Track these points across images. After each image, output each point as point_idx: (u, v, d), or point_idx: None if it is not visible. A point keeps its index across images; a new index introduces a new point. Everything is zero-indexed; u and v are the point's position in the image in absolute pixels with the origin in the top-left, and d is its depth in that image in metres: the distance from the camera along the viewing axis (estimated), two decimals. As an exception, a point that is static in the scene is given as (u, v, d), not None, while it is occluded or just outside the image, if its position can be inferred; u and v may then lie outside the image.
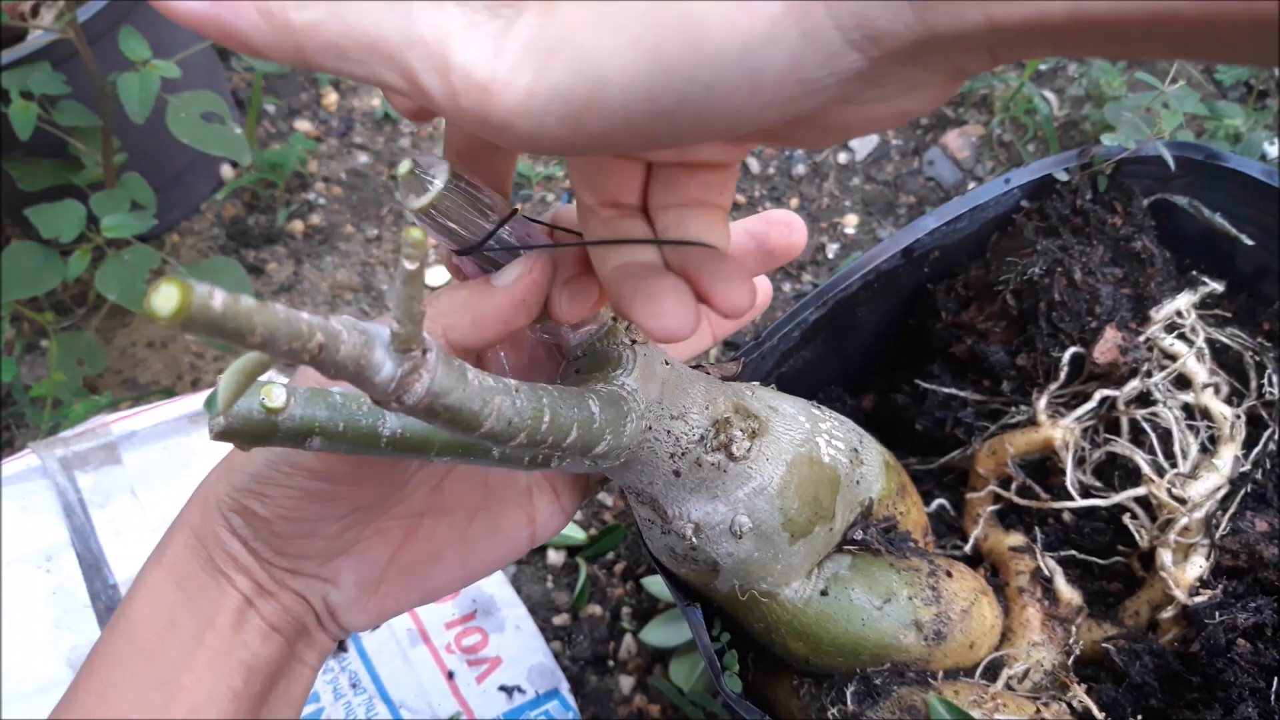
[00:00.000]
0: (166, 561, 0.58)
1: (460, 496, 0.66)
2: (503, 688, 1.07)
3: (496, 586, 1.14)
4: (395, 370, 0.35)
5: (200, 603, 0.57)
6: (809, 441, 0.66)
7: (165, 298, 0.25)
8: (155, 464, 1.12)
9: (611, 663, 1.13)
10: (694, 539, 0.63)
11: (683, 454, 0.60)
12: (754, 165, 1.48)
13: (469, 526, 0.66)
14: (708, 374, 0.65)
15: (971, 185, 1.42)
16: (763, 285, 0.69)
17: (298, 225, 1.50)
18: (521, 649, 1.10)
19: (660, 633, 1.09)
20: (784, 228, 0.63)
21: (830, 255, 1.39)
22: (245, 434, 0.45)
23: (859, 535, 0.73)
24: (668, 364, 0.60)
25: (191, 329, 0.26)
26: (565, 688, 1.08)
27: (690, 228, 0.49)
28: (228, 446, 0.56)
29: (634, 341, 0.58)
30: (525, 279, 0.53)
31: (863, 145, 1.48)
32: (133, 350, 1.41)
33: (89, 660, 0.58)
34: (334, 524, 0.58)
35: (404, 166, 0.49)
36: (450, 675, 1.07)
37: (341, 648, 1.08)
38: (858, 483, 0.71)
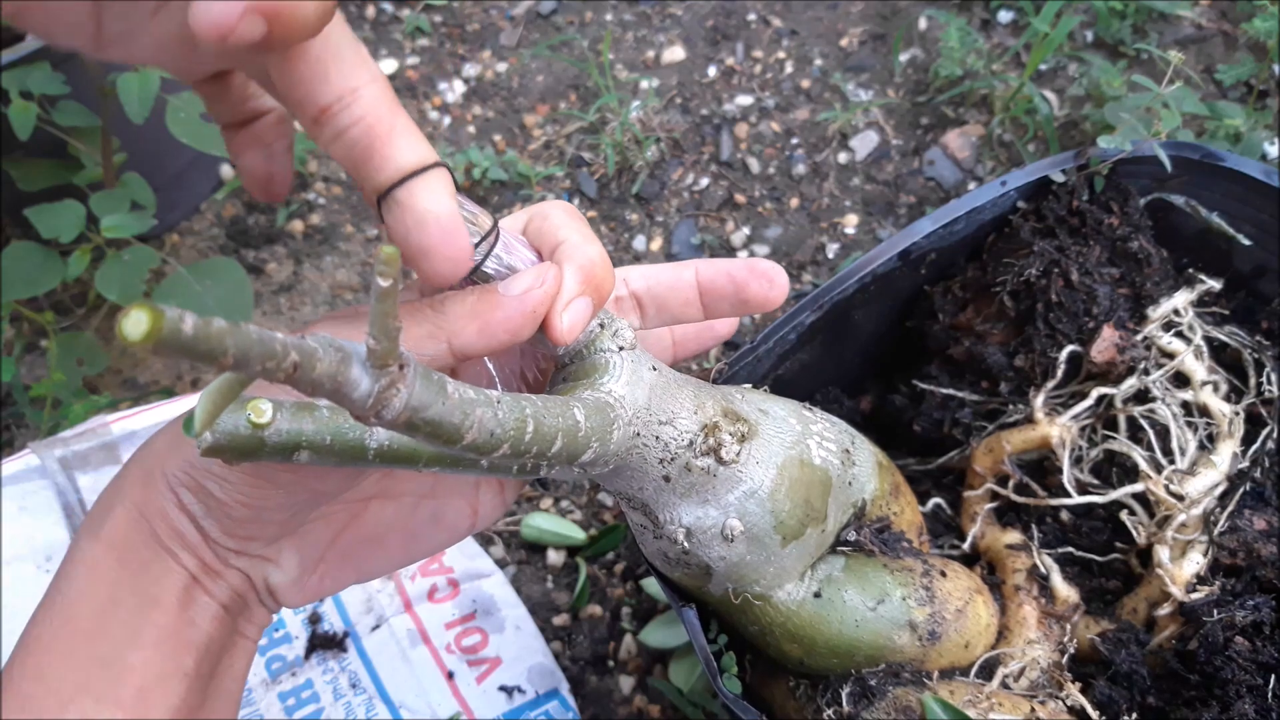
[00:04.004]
0: (105, 535, 0.55)
1: (409, 483, 0.66)
2: (503, 688, 1.07)
3: (496, 587, 1.14)
4: (372, 386, 0.35)
5: (143, 579, 0.55)
6: (799, 444, 0.66)
7: (135, 322, 0.25)
8: (155, 465, 1.12)
9: (611, 663, 1.13)
10: (685, 543, 0.63)
11: (672, 459, 0.60)
12: (754, 165, 1.47)
13: (414, 513, 0.66)
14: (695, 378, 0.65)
15: (972, 185, 1.42)
16: (729, 320, 0.71)
17: (297, 225, 1.50)
18: (521, 649, 1.10)
19: (660, 633, 1.09)
20: (765, 280, 0.65)
21: (830, 255, 1.39)
22: (232, 449, 0.45)
23: (852, 536, 0.73)
24: (655, 369, 0.60)
25: (163, 352, 0.26)
26: (565, 688, 1.08)
27: None
28: None
29: (621, 348, 0.58)
30: (539, 291, 0.54)
31: (863, 145, 1.48)
32: (132, 350, 1.41)
33: (22, 641, 0.54)
34: (290, 510, 0.57)
35: None
36: (450, 675, 1.08)
37: (341, 648, 1.09)
38: (850, 484, 0.72)
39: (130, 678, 0.53)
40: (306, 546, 0.61)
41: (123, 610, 0.54)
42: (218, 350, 0.27)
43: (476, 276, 0.54)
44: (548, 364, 0.66)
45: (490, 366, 0.60)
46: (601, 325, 0.58)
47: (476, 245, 0.53)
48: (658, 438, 0.59)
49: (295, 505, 0.57)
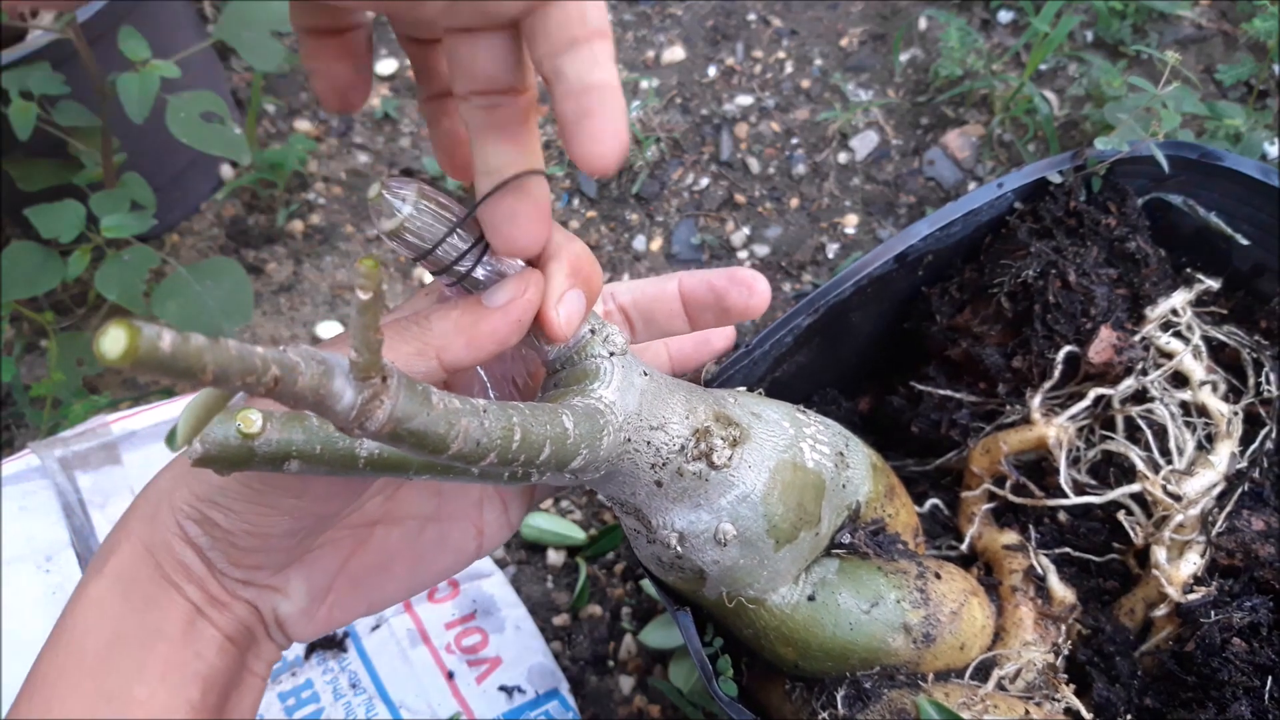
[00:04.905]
0: (110, 571, 0.56)
1: (413, 506, 0.66)
2: (503, 688, 1.08)
3: (497, 587, 1.14)
4: (355, 398, 0.35)
5: (148, 613, 0.55)
6: (792, 447, 0.66)
7: (113, 340, 0.25)
8: (155, 464, 1.11)
9: (611, 663, 1.13)
10: (679, 548, 0.63)
11: (664, 464, 0.60)
12: (754, 165, 1.47)
13: (419, 536, 0.67)
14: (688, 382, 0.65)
15: (972, 185, 1.41)
16: (725, 333, 0.73)
17: (297, 225, 1.50)
18: (521, 649, 1.10)
19: (660, 634, 1.09)
20: (745, 289, 0.65)
21: (830, 255, 1.39)
22: (223, 460, 0.45)
23: (846, 539, 0.73)
24: (646, 374, 0.60)
25: (142, 370, 0.26)
26: (565, 688, 1.08)
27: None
28: None
29: (612, 353, 0.58)
30: (521, 300, 0.54)
31: (863, 145, 1.47)
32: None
33: (29, 678, 0.55)
34: (295, 536, 0.58)
35: (373, 189, 0.49)
36: (450, 675, 1.08)
37: (341, 648, 1.09)
38: (844, 486, 0.72)
39: (136, 711, 0.54)
40: (314, 575, 0.62)
41: (127, 644, 0.55)
42: (196, 367, 0.27)
43: (467, 283, 0.55)
44: (538, 369, 0.66)
45: (481, 373, 0.61)
46: (592, 331, 0.58)
47: (467, 251, 0.53)
48: (649, 443, 0.59)
49: (300, 531, 0.57)
